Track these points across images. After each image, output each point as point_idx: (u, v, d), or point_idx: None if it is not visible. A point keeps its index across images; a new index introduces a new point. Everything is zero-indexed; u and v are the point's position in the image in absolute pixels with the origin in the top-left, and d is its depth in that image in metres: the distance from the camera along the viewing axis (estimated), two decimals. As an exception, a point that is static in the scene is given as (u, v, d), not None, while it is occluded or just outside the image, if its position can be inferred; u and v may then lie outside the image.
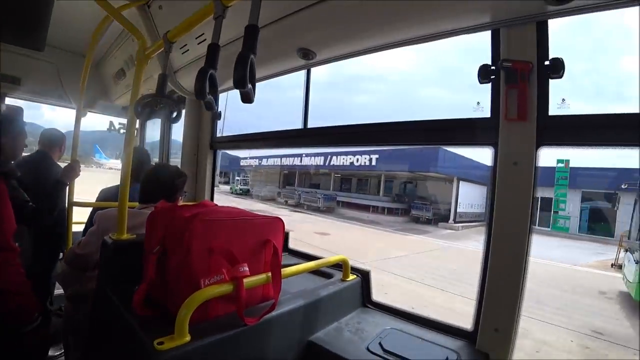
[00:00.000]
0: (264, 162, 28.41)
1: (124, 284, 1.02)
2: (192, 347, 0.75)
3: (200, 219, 0.87)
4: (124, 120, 2.89)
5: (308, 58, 1.42)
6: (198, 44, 1.63)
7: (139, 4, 1.64)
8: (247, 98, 0.75)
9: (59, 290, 2.15)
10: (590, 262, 10.03)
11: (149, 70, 1.68)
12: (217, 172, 2.45)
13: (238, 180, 29.85)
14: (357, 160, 21.21)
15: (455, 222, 17.54)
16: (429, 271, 7.95)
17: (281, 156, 26.59)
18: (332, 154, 22.36)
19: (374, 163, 20.70)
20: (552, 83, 1.04)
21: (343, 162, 22.12)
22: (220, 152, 2.34)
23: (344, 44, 1.34)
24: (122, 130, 2.84)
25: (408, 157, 18.91)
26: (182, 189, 1.46)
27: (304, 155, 24.37)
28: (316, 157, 23.72)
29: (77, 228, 2.01)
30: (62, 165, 2.03)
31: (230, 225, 0.93)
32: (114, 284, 1.04)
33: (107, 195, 1.90)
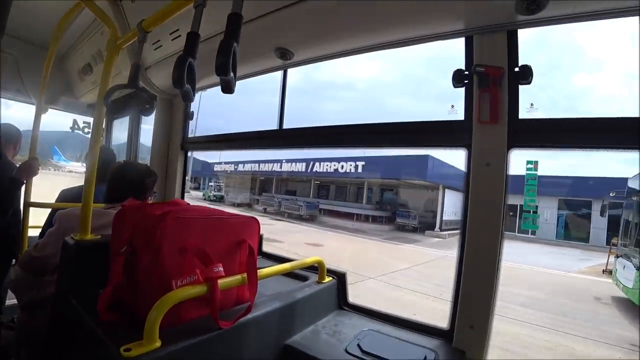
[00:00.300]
0: (240, 167, 27.34)
1: (87, 287, 0.95)
2: (162, 353, 0.70)
3: (173, 217, 0.83)
4: (90, 119, 2.74)
5: (285, 58, 1.41)
6: (172, 39, 1.58)
7: None
8: (227, 87, 0.73)
9: (10, 301, 1.97)
10: (582, 269, 10.32)
11: (118, 66, 1.60)
12: (188, 176, 2.36)
13: (212, 186, 28.35)
14: (342, 167, 20.79)
15: (441, 230, 17.39)
16: (441, 284, 7.24)
17: (259, 161, 25.72)
18: (315, 160, 21.86)
19: (360, 170, 20.23)
20: (521, 89, 1.10)
21: (327, 169, 21.60)
22: (191, 157, 2.26)
23: (321, 45, 1.35)
24: (86, 129, 2.69)
25: (395, 164, 18.89)
26: (151, 189, 1.40)
27: (284, 161, 23.72)
28: (298, 163, 22.98)
29: (32, 232, 1.86)
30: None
31: (204, 223, 0.90)
32: (75, 288, 0.97)
33: (68, 196, 1.78)
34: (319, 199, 23.37)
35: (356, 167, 20.33)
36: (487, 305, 1.04)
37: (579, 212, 15.33)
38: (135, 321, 0.77)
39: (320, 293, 1.23)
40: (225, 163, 28.10)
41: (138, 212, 0.91)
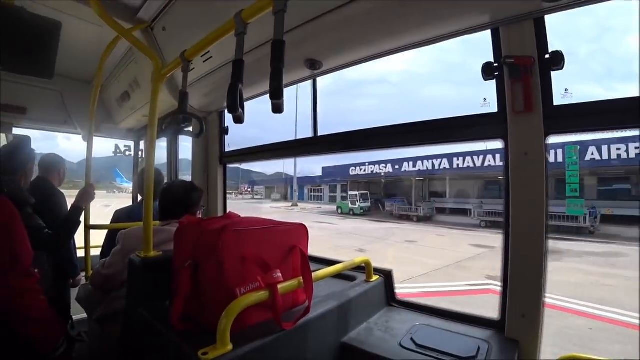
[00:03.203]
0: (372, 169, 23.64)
1: (153, 300, 1.04)
2: (235, 355, 0.77)
3: (231, 230, 0.90)
4: (130, 143, 2.94)
5: (315, 68, 1.46)
6: (204, 61, 1.67)
7: (143, 27, 1.69)
8: (278, 108, 0.78)
9: (76, 316, 2.14)
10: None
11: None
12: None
13: (355, 195, 22.83)
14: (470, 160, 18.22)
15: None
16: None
17: (377, 162, 23.26)
18: (421, 158, 20.25)
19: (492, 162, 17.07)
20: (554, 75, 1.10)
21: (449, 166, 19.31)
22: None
23: (349, 52, 1.39)
24: (127, 153, 2.87)
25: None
26: (199, 203, 1.48)
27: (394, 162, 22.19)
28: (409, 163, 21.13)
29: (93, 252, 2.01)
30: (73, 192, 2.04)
31: (259, 234, 0.96)
32: (143, 301, 1.05)
33: (121, 216, 1.91)
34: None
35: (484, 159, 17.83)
36: (538, 293, 1.04)
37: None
38: (202, 329, 0.84)
39: (369, 291, 1.28)
40: (359, 165, 24.58)
41: (197, 228, 0.98)
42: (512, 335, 1.09)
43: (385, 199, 24.02)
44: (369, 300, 1.27)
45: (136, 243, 1.22)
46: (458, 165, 19.05)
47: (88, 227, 1.92)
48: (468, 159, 18.48)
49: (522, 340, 1.07)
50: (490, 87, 1.17)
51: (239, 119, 0.83)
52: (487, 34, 1.19)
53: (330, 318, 1.05)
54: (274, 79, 0.75)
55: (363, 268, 1.37)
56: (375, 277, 1.36)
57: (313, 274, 1.09)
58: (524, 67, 1.07)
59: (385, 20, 1.17)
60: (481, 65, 1.16)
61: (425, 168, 20.83)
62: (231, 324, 0.78)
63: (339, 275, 1.36)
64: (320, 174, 29.98)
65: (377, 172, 23.81)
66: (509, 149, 1.10)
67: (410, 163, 21.50)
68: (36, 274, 1.20)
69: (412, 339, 1.07)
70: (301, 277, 0.98)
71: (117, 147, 2.86)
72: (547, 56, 1.07)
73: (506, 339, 1.09)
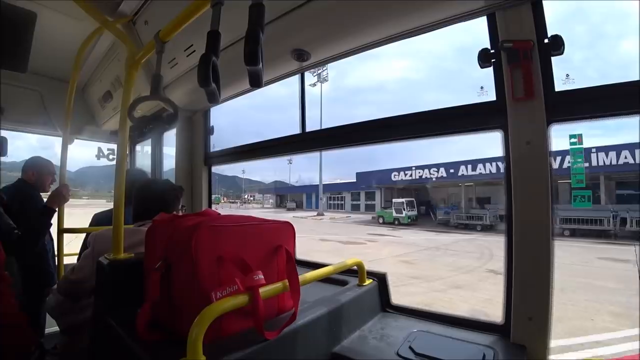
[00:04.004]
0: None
1: (124, 307, 0.93)
2: None
3: (206, 226, 0.80)
4: (113, 146, 2.81)
5: (302, 59, 1.40)
6: (187, 56, 1.59)
7: (125, 21, 1.61)
8: (256, 80, 0.71)
9: (51, 328, 2.00)
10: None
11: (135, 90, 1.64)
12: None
13: (400, 202, 20.29)
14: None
15: None
16: None
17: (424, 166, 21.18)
18: (482, 161, 18.18)
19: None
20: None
21: None
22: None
23: (338, 42, 1.33)
24: (111, 156, 2.75)
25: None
26: (178, 201, 1.38)
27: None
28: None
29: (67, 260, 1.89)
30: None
31: (239, 231, 0.86)
32: (113, 309, 0.95)
33: (101, 219, 1.80)
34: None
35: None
36: (545, 294, 0.96)
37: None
38: (174, 339, 0.74)
39: (362, 296, 1.18)
40: (407, 169, 22.18)
41: (170, 226, 0.88)
42: (518, 340, 1.00)
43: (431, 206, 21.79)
44: (362, 305, 1.17)
45: (108, 245, 1.12)
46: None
47: (61, 231, 1.80)
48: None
49: (529, 345, 0.98)
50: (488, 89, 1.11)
51: (212, 95, 0.75)
52: (481, 40, 1.14)
53: (319, 326, 0.95)
54: (248, 42, 0.67)
55: (355, 271, 1.27)
56: (368, 281, 1.27)
57: (301, 277, 0.99)
58: (523, 52, 1.01)
59: (375, 8, 1.12)
60: (477, 53, 1.10)
61: (488, 171, 18.51)
62: (204, 333, 0.67)
63: (329, 279, 1.27)
64: (331, 182, 29.50)
65: (426, 177, 21.58)
66: (509, 139, 1.03)
67: (469, 166, 19.28)
68: (7, 276, 1.11)
69: (410, 347, 0.97)
70: (287, 280, 0.88)
71: (99, 150, 2.73)
72: (546, 41, 1.01)
73: (512, 345, 1.00)
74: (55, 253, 1.96)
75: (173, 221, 0.90)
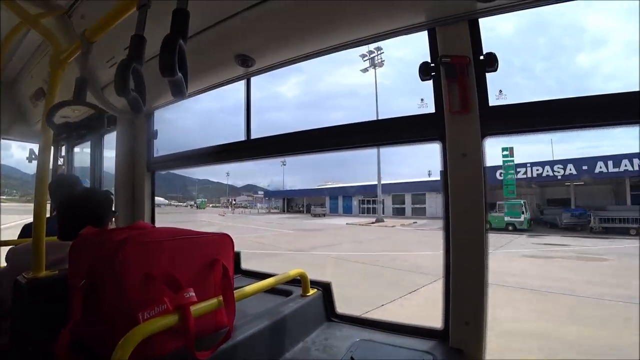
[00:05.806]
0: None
1: (45, 332, 0.85)
2: None
3: (133, 242, 0.75)
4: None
5: (247, 65, 1.36)
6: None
7: (58, 14, 1.47)
8: (178, 90, 0.66)
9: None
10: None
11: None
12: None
13: (521, 204, 15.93)
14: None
15: None
16: None
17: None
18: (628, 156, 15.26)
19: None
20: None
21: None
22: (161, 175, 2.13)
23: (283, 49, 1.32)
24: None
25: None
26: (109, 210, 1.26)
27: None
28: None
29: None
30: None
31: (170, 246, 0.82)
32: (32, 333, 0.87)
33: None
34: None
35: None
36: (480, 300, 1.00)
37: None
38: (101, 363, 0.68)
39: (306, 306, 1.17)
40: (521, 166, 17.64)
41: (97, 240, 0.83)
42: (456, 344, 1.04)
43: (547, 208, 18.48)
44: (306, 316, 1.16)
45: (28, 261, 1.01)
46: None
47: None
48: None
49: (466, 349, 1.02)
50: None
51: (134, 105, 0.70)
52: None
53: (260, 339, 0.93)
54: (164, 50, 0.63)
55: (299, 281, 1.26)
56: (312, 291, 1.26)
57: (242, 290, 0.96)
58: (460, 67, 1.06)
59: (320, 16, 1.12)
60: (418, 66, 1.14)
61: (637, 167, 15.34)
62: (130, 357, 0.63)
63: (273, 290, 1.24)
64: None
65: (548, 175, 17.86)
66: (447, 151, 1.07)
67: (610, 162, 15.99)
68: None
69: (352, 357, 0.97)
70: (221, 296, 0.85)
71: (31, 152, 2.49)
72: (481, 57, 1.07)
73: (450, 349, 1.03)
74: None
75: (100, 235, 0.85)
